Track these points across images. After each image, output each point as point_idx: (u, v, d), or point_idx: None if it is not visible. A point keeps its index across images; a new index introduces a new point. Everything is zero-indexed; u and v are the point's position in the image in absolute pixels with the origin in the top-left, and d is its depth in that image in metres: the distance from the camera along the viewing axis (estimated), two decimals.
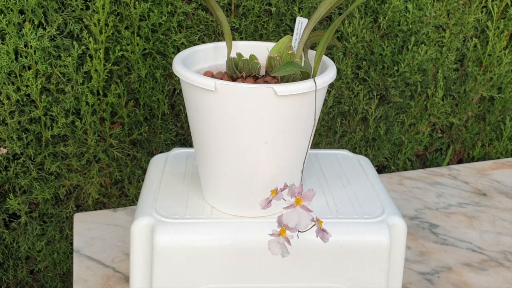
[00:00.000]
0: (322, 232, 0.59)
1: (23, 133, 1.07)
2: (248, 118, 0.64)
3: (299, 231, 0.58)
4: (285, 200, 0.60)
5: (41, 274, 1.20)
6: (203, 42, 1.14)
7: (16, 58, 1.02)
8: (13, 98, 1.03)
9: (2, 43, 1.00)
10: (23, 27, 1.00)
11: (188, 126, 1.18)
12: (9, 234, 1.13)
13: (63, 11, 1.04)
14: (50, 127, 1.08)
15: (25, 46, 1.02)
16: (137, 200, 1.18)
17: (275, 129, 0.65)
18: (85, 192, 1.15)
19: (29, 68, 1.04)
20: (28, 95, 1.06)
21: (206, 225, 0.69)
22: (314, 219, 0.59)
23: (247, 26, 1.15)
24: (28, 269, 1.19)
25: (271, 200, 0.60)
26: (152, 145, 1.18)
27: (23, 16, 1.00)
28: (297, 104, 0.65)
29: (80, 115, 1.10)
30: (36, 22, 1.01)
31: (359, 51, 1.23)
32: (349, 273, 0.70)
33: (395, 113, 1.33)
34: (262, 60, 0.75)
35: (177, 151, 0.86)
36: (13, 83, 1.04)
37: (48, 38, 1.01)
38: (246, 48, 0.76)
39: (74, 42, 1.04)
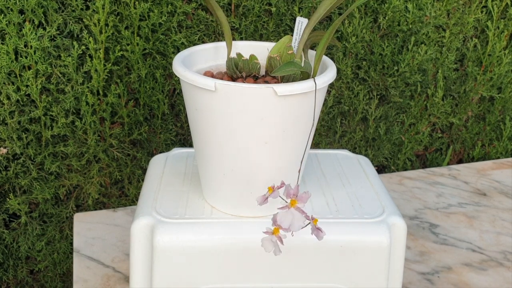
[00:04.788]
0: (316, 230, 0.59)
1: (23, 133, 1.07)
2: (248, 118, 0.64)
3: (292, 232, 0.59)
4: (286, 201, 0.60)
5: (41, 274, 1.20)
6: (203, 42, 1.14)
7: (16, 58, 1.02)
8: (13, 98, 1.03)
9: (2, 43, 1.00)
10: (23, 27, 1.00)
11: (188, 126, 1.18)
12: (9, 234, 1.13)
13: (63, 11, 1.04)
14: (50, 127, 1.08)
15: (25, 46, 1.02)
16: (137, 200, 1.18)
17: (275, 129, 0.65)
18: (85, 192, 1.15)
19: (29, 68, 1.04)
20: (28, 95, 1.06)
21: (206, 225, 0.69)
22: (310, 218, 0.59)
23: (247, 26, 1.15)
24: (28, 269, 1.19)
25: (267, 197, 0.60)
26: (152, 145, 1.18)
27: (23, 16, 1.00)
28: (297, 104, 0.65)
29: (80, 115, 1.10)
30: (36, 22, 1.01)
31: (359, 51, 1.23)
32: (349, 273, 0.70)
33: (395, 113, 1.33)
34: (262, 60, 0.75)
35: (177, 151, 0.86)
36: (13, 83, 1.04)
37: (48, 38, 1.02)
38: (246, 48, 0.76)
39: (74, 42, 1.04)
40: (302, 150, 0.70)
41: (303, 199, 0.58)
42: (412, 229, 1.04)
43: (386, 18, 1.22)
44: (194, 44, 1.12)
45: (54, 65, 1.05)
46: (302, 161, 0.69)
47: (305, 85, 0.64)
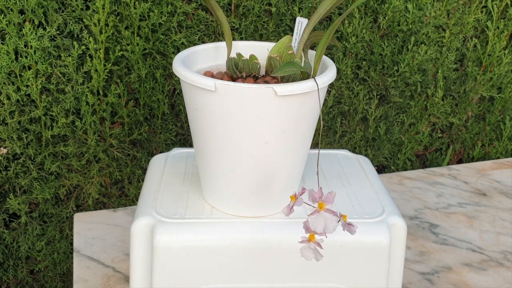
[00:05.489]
0: (348, 226, 0.59)
1: (23, 133, 1.07)
2: (248, 118, 0.64)
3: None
4: (308, 204, 0.59)
5: (41, 274, 1.20)
6: (203, 42, 1.14)
7: (16, 58, 1.02)
8: (13, 98, 1.03)
9: (2, 43, 1.00)
10: (23, 27, 1.00)
11: (188, 126, 1.18)
12: (9, 234, 1.13)
13: (63, 11, 1.04)
14: (50, 127, 1.08)
15: (25, 46, 1.02)
16: (137, 200, 1.18)
17: (275, 129, 0.65)
18: (85, 192, 1.15)
19: (29, 68, 1.04)
20: (28, 95, 1.06)
21: (206, 225, 0.69)
22: (339, 215, 0.58)
23: (247, 26, 1.15)
24: (28, 269, 1.19)
25: (292, 206, 0.60)
26: (152, 145, 1.18)
27: (23, 16, 1.00)
28: (297, 104, 0.65)
29: (80, 115, 1.10)
30: (36, 22, 1.01)
31: (359, 51, 1.23)
32: (349, 273, 0.70)
33: (395, 113, 1.33)
34: (262, 60, 0.75)
35: (177, 151, 0.86)
36: (13, 83, 1.04)
37: (48, 38, 1.02)
38: (246, 48, 0.76)
39: (74, 42, 1.04)
40: (303, 150, 0.70)
41: (330, 200, 0.58)
42: (412, 229, 1.04)
43: (386, 18, 1.22)
44: (194, 44, 1.12)
45: (54, 65, 1.05)
46: (317, 162, 0.69)
47: (305, 85, 0.64)
